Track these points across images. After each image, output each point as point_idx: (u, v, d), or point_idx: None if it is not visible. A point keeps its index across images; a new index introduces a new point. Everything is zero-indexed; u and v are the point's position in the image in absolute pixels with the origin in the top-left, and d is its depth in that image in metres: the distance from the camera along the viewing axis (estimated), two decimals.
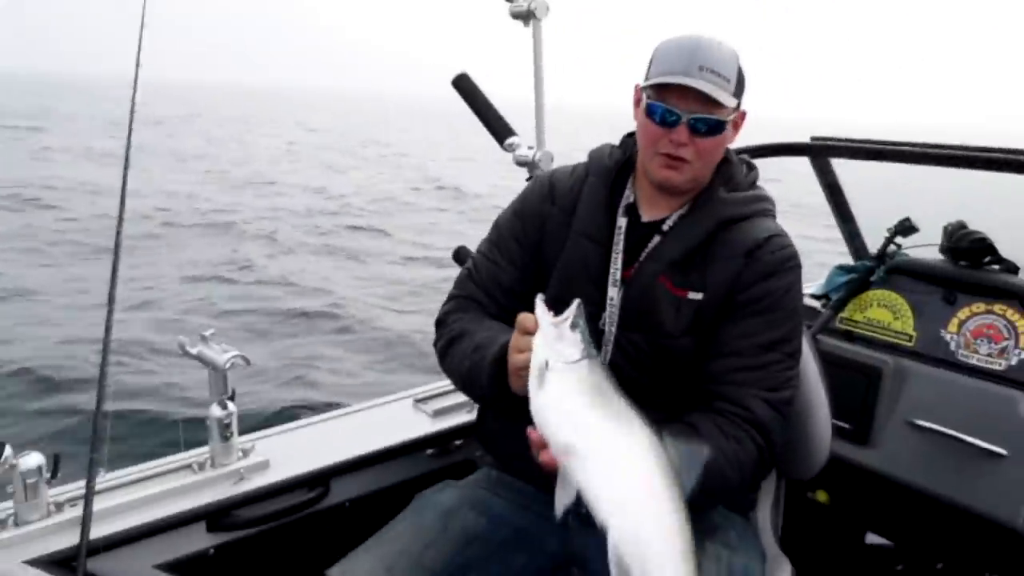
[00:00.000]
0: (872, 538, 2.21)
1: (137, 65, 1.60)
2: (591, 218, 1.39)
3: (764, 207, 1.38)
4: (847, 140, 2.41)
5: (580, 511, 0.99)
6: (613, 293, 1.33)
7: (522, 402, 1.11)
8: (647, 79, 1.29)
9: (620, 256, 1.35)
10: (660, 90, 1.26)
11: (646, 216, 1.38)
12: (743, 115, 1.34)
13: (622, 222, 1.37)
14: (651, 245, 1.34)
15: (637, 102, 1.34)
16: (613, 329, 1.33)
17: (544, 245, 1.43)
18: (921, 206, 2.66)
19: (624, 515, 0.95)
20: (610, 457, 0.97)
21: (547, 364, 1.04)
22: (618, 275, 1.34)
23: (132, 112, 1.59)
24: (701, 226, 1.33)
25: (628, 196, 1.40)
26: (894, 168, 2.28)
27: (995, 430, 1.82)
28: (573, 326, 1.06)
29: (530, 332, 1.12)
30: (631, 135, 1.44)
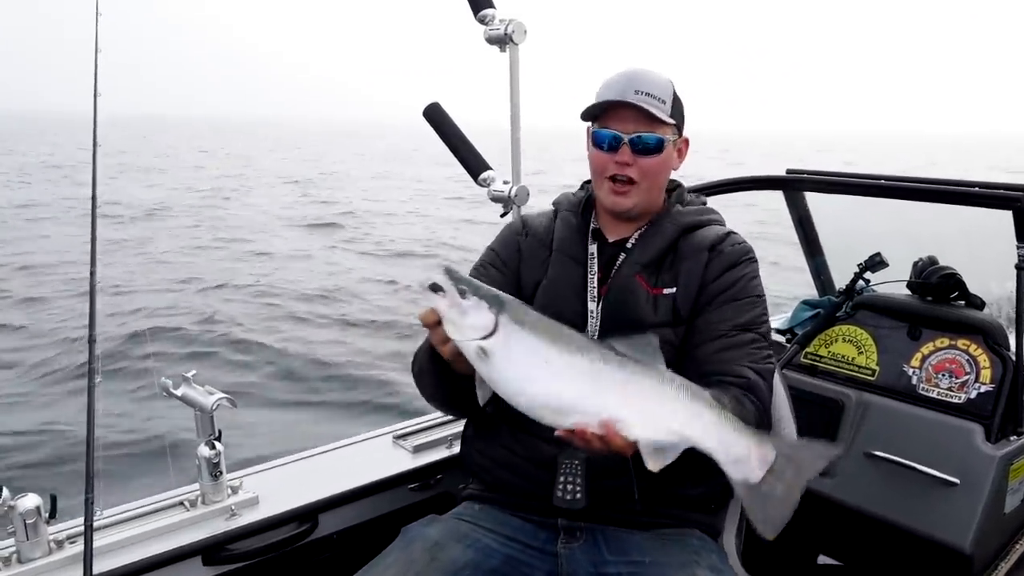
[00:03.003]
0: (824, 559, 2.36)
1: (95, 102, 1.68)
2: (570, 239, 1.59)
3: (716, 217, 1.62)
4: (821, 174, 2.57)
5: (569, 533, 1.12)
6: (593, 307, 1.52)
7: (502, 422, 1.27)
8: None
9: (596, 275, 1.55)
10: (602, 118, 1.48)
11: (611, 238, 1.59)
12: (686, 142, 1.57)
13: (593, 247, 1.58)
14: (620, 260, 1.55)
15: (589, 139, 1.54)
16: (595, 337, 1.47)
17: (522, 269, 1.62)
18: (896, 239, 2.80)
19: (651, 426, 1.08)
20: (608, 392, 1.09)
21: (483, 349, 1.08)
22: (595, 291, 1.53)
23: (95, 146, 1.69)
24: (664, 234, 1.54)
25: (594, 224, 1.62)
26: (868, 201, 2.43)
27: (949, 460, 1.98)
28: (462, 293, 1.09)
29: (435, 324, 1.17)
30: (589, 180, 1.66)
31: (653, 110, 1.44)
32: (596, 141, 1.50)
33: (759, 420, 1.39)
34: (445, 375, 1.36)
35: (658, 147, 1.48)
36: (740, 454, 1.06)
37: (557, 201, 1.72)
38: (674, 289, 1.50)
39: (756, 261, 1.56)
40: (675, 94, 1.51)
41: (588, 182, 1.67)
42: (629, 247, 1.55)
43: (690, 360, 1.47)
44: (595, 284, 1.54)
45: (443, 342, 1.20)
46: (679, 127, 1.53)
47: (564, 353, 1.10)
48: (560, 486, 1.43)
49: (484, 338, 1.08)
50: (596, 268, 1.56)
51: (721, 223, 1.62)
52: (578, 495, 1.42)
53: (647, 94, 1.45)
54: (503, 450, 1.55)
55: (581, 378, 1.10)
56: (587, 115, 1.51)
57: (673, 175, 1.62)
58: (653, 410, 1.10)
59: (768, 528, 1.01)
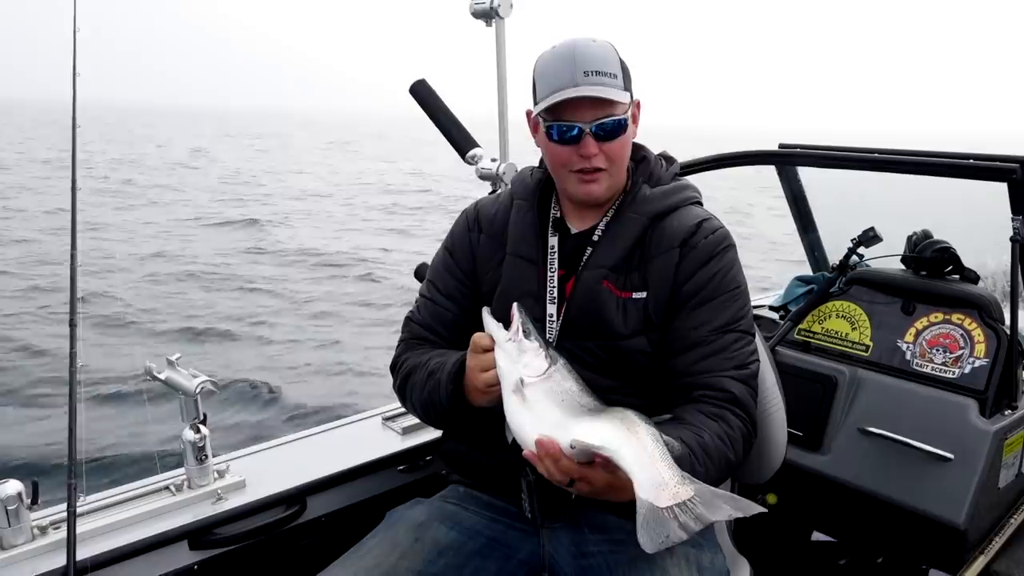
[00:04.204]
0: (817, 535, 2.39)
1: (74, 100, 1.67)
2: (522, 238, 1.49)
3: (689, 195, 1.49)
4: (814, 147, 2.56)
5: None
6: (552, 310, 1.44)
7: (482, 416, 1.24)
8: (536, 102, 1.39)
9: (556, 274, 1.45)
10: (554, 109, 1.35)
11: (575, 228, 1.49)
12: (639, 105, 1.42)
13: (553, 240, 1.48)
14: (586, 255, 1.45)
15: (535, 128, 1.44)
16: (554, 343, 1.41)
17: (478, 273, 1.54)
18: (890, 213, 2.80)
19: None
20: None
21: (522, 381, 1.14)
22: (555, 292, 1.44)
23: (74, 136, 1.67)
24: (632, 227, 1.43)
25: (555, 212, 1.52)
26: (863, 175, 2.43)
27: (943, 435, 1.99)
28: (527, 334, 1.16)
29: (487, 349, 1.23)
30: None
31: (612, 95, 1.32)
32: (551, 135, 1.37)
33: (746, 432, 1.37)
34: (456, 408, 1.39)
35: (621, 128, 1.37)
36: (660, 480, 1.06)
37: (513, 181, 1.60)
38: (644, 294, 1.41)
39: (733, 247, 1.46)
40: (620, 60, 1.38)
41: None
42: (595, 239, 1.45)
43: (669, 371, 1.41)
44: (555, 283, 1.45)
45: (484, 369, 1.25)
46: (631, 93, 1.40)
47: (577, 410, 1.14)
48: (523, 501, 1.45)
49: (529, 378, 1.15)
50: (556, 265, 1.45)
51: (695, 200, 1.50)
52: (533, 515, 1.44)
53: (597, 72, 1.33)
54: (478, 443, 1.54)
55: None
56: (541, 113, 1.38)
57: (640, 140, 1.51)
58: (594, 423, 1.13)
59: (643, 540, 1.04)
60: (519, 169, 2.05)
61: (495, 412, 1.24)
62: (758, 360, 1.45)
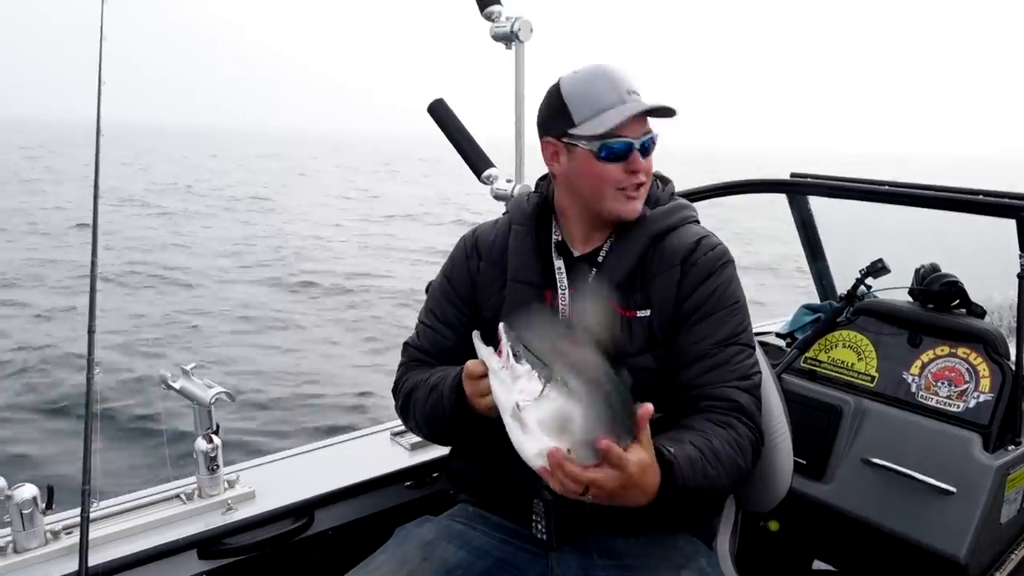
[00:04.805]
0: (819, 564, 2.40)
1: (98, 118, 1.71)
2: (524, 263, 1.50)
3: (688, 215, 1.54)
4: (826, 178, 2.59)
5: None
6: None
7: (487, 430, 1.24)
8: (578, 125, 1.39)
9: (567, 294, 1.47)
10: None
11: (578, 251, 1.51)
12: None
13: (559, 263, 1.49)
14: (590, 278, 1.47)
15: (557, 153, 1.44)
16: None
17: (479, 299, 1.55)
18: (899, 244, 2.84)
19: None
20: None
21: (518, 406, 1.14)
22: (566, 313, 1.45)
23: (97, 152, 1.71)
24: (634, 247, 1.46)
25: (556, 235, 1.52)
26: (874, 205, 2.46)
27: (946, 469, 2.00)
28: (517, 357, 1.16)
29: (482, 375, 1.24)
30: (544, 178, 1.60)
31: (663, 103, 1.37)
32: (609, 155, 1.39)
33: (754, 440, 1.39)
34: (461, 418, 1.39)
35: (655, 143, 1.44)
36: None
37: (510, 207, 1.62)
38: (648, 312, 1.44)
39: (732, 263, 1.49)
40: None
41: (543, 179, 1.60)
42: (600, 260, 1.48)
43: (674, 385, 1.43)
44: (567, 302, 1.47)
45: (481, 395, 1.27)
46: None
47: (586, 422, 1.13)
48: (534, 523, 1.46)
49: (525, 402, 1.14)
50: (566, 285, 1.47)
51: (693, 219, 1.54)
52: (549, 536, 1.44)
53: (634, 91, 1.39)
54: (484, 463, 1.55)
55: None
56: (601, 135, 1.38)
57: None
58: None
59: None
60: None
61: (500, 424, 1.24)
62: (760, 372, 1.47)
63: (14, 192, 21.34)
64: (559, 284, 1.48)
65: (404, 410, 1.57)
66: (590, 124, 1.38)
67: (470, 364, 1.28)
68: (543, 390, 1.13)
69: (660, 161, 1.52)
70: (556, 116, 1.43)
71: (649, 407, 1.13)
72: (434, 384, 1.46)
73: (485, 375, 1.22)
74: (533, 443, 1.13)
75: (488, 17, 2.04)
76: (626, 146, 1.39)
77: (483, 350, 1.21)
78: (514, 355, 1.16)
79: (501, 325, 1.19)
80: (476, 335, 1.23)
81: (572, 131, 1.41)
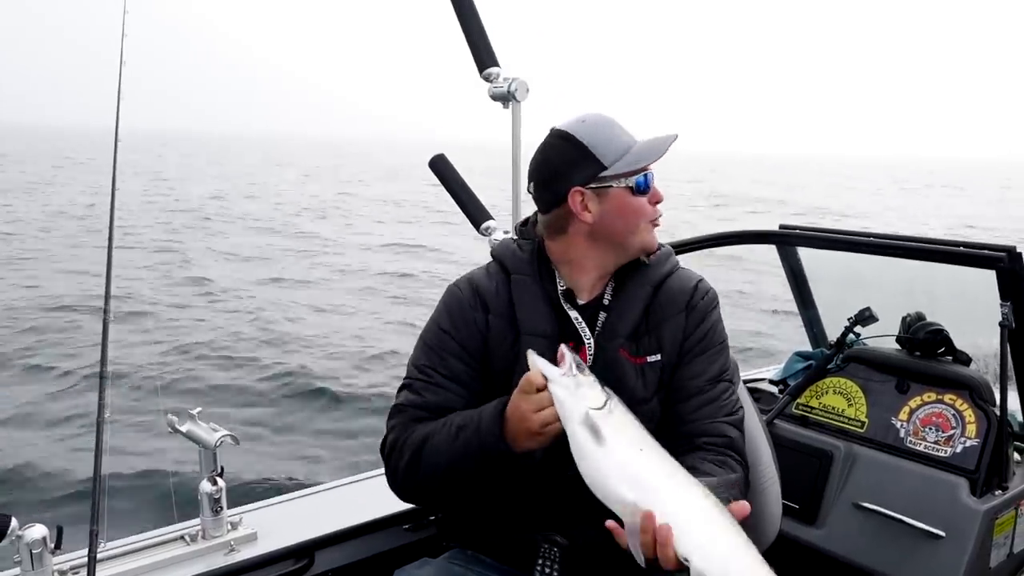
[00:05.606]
0: None
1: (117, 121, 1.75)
2: (538, 315, 1.49)
3: (675, 259, 1.61)
4: (812, 230, 2.68)
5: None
6: None
7: (510, 473, 1.28)
8: (610, 166, 1.43)
9: (592, 343, 1.47)
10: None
11: (582, 299, 1.52)
12: None
13: (573, 313, 1.49)
14: (599, 323, 1.49)
15: (586, 203, 1.44)
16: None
17: (490, 353, 1.51)
18: (886, 293, 2.91)
19: (707, 555, 1.10)
20: (681, 504, 1.12)
21: (588, 414, 1.13)
22: (591, 362, 1.46)
23: (116, 150, 1.76)
24: (640, 294, 1.52)
25: (561, 284, 1.52)
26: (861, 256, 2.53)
27: (935, 513, 2.05)
28: (580, 368, 1.16)
29: (540, 389, 1.22)
30: (524, 223, 1.61)
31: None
32: (641, 188, 1.46)
33: (744, 476, 1.48)
34: (498, 453, 1.33)
35: None
36: None
37: (500, 256, 1.58)
38: (659, 356, 1.50)
39: (718, 302, 1.59)
40: None
41: (525, 224, 1.60)
42: (606, 304, 1.51)
43: (671, 417, 1.50)
44: (592, 352, 1.47)
45: (539, 409, 1.23)
46: None
47: (657, 448, 1.16)
48: (539, 568, 1.48)
49: (594, 410, 1.14)
50: (589, 334, 1.48)
51: (678, 264, 1.60)
52: None
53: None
54: (486, 518, 1.55)
55: (670, 479, 1.14)
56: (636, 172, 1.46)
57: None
58: (718, 547, 1.13)
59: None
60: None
61: (537, 456, 1.29)
62: (741, 406, 1.57)
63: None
64: (583, 335, 1.48)
65: (412, 466, 1.43)
66: (623, 162, 1.45)
67: (529, 374, 1.23)
68: (607, 402, 1.14)
69: (661, 162, 1.54)
70: (579, 164, 1.44)
71: (746, 507, 1.18)
72: (461, 424, 1.37)
73: (543, 388, 1.21)
74: (613, 468, 1.12)
75: (487, 78, 2.13)
76: (648, 180, 1.48)
77: (542, 362, 1.19)
78: (579, 366, 1.17)
79: (562, 345, 1.23)
80: (531, 353, 1.22)
81: (604, 173, 1.44)
